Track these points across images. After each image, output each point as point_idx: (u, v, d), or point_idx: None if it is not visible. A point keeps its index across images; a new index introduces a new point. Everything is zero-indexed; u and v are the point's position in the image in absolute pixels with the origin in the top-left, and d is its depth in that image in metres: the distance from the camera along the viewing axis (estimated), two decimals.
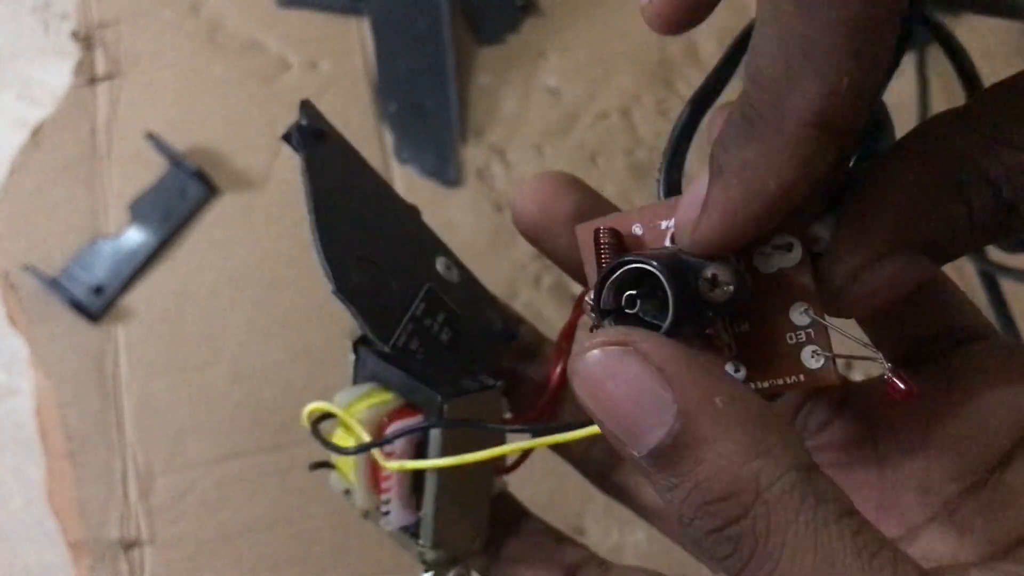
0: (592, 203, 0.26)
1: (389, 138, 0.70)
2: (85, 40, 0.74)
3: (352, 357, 0.28)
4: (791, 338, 0.21)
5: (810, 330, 0.21)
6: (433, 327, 0.27)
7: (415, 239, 0.29)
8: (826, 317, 0.21)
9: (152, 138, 0.70)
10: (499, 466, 0.28)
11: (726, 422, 0.17)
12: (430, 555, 0.26)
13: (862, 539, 0.17)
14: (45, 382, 0.65)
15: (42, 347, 0.66)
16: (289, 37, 0.73)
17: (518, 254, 0.66)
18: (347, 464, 0.27)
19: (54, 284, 0.66)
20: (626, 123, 0.70)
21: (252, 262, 0.67)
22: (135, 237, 0.68)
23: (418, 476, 0.26)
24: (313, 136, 0.26)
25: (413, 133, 0.70)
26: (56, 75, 0.73)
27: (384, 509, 0.26)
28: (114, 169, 0.71)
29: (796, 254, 0.21)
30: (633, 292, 0.20)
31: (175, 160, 0.69)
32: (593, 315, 0.21)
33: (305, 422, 0.27)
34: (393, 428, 0.26)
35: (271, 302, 0.66)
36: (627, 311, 0.20)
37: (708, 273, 0.20)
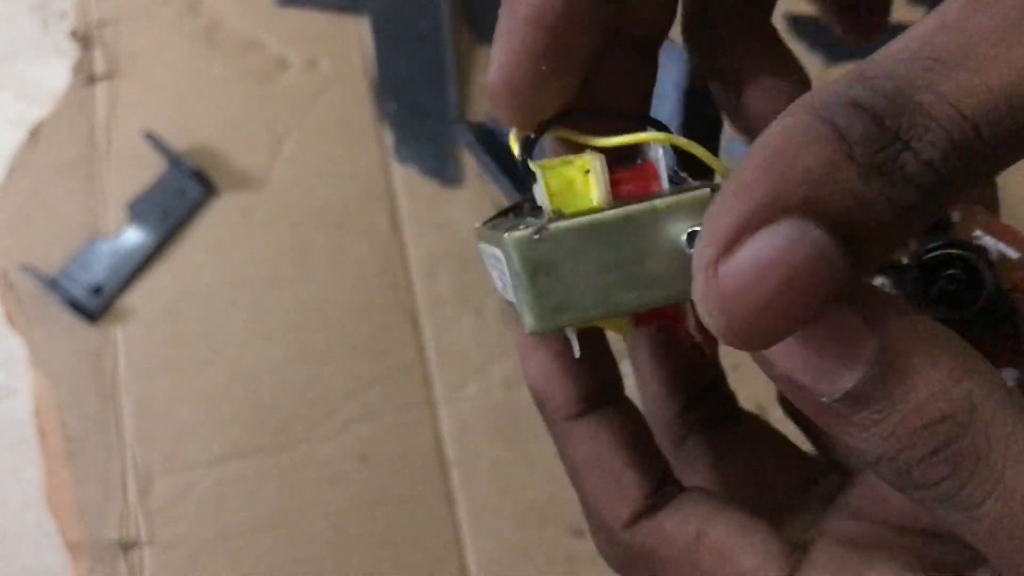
0: None
1: (389, 138, 0.70)
2: (84, 39, 0.74)
3: None
4: None
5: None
6: None
7: None
8: None
9: (151, 137, 0.69)
10: None
11: (931, 349, 0.17)
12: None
13: None
14: (43, 382, 0.65)
15: (40, 347, 0.66)
16: (288, 36, 0.73)
17: None
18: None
19: (53, 284, 0.66)
20: None
21: (252, 262, 0.67)
22: (134, 237, 0.68)
23: None
24: None
25: (413, 133, 0.70)
26: (54, 74, 0.73)
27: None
28: (113, 168, 0.70)
29: None
30: (953, 271, 0.21)
31: (174, 160, 0.69)
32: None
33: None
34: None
35: (271, 302, 0.66)
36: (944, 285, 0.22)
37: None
